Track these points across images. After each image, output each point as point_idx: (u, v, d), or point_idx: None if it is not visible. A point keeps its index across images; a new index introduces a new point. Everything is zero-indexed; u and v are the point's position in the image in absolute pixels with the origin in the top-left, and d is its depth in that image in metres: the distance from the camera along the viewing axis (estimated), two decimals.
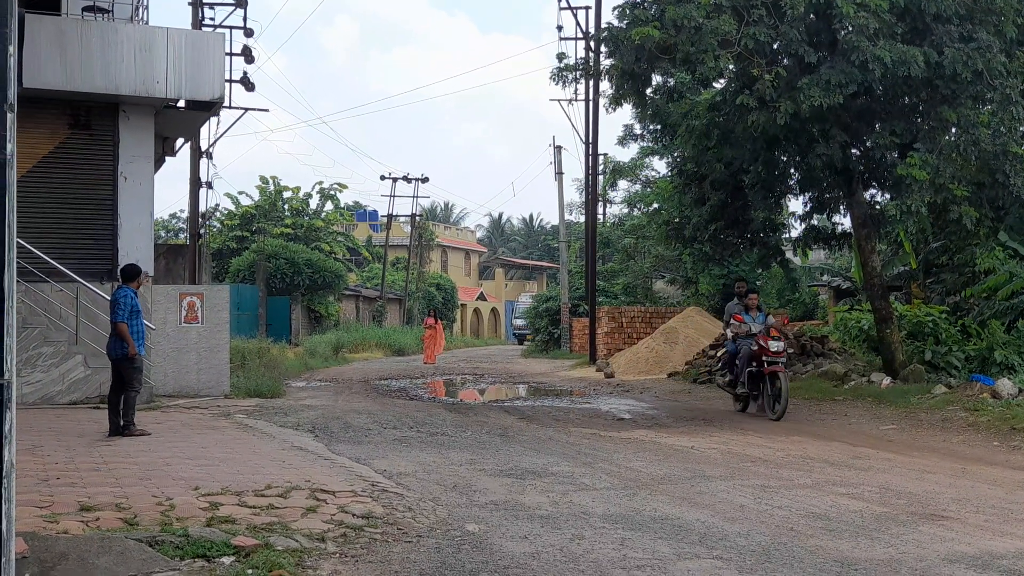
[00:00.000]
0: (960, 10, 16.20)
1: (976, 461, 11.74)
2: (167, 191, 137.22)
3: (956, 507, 8.61)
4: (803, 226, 22.59)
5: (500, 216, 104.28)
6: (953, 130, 16.51)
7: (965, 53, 15.73)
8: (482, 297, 77.70)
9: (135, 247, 16.98)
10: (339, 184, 55.73)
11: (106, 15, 17.61)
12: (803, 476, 10.27)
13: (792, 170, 20.64)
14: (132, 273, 12.71)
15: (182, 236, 55.90)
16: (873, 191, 20.41)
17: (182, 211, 61.30)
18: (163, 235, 58.10)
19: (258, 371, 20.73)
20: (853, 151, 18.64)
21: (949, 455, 12.24)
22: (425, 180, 56.66)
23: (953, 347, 19.49)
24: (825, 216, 22.53)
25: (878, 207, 19.48)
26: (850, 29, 15.78)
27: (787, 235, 24.32)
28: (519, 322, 60.19)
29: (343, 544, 6.77)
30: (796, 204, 22.86)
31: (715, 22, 15.45)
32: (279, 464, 9.98)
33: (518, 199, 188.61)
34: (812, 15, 16.18)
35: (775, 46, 16.27)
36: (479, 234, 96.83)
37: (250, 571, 5.95)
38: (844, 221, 22.22)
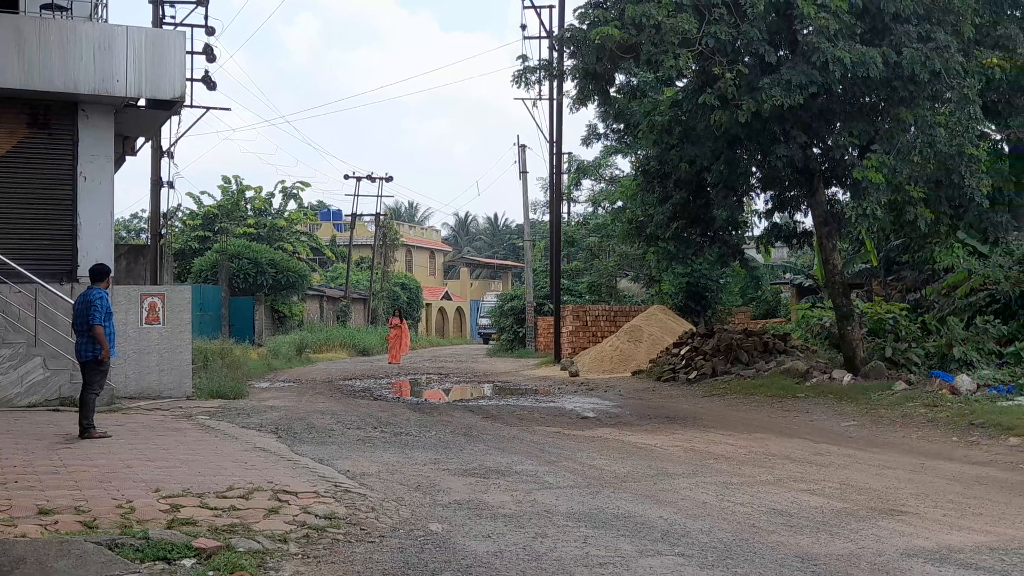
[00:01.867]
0: (919, 9, 16.39)
1: (935, 456, 11.88)
2: (128, 191, 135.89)
3: (915, 502, 8.71)
4: (765, 224, 22.78)
5: (465, 215, 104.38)
6: (912, 130, 16.69)
7: (923, 53, 15.91)
8: (447, 296, 77.58)
9: (95, 247, 16.80)
10: (302, 183, 55.57)
11: (65, 13, 17.42)
12: (765, 473, 10.35)
13: (754, 169, 20.82)
14: (102, 272, 12.53)
15: (143, 236, 55.39)
16: (834, 190, 20.61)
17: (143, 211, 60.80)
18: (124, 235, 57.57)
19: (221, 372, 20.58)
20: (814, 150, 18.81)
21: (908, 451, 12.38)
22: (389, 179, 56.48)
23: (913, 344, 19.71)
24: (787, 214, 22.74)
25: (838, 206, 19.68)
26: (810, 30, 15.92)
27: (749, 233, 24.53)
28: (484, 321, 60.06)
29: (305, 545, 6.74)
30: (758, 202, 23.03)
31: (675, 20, 15.54)
32: (241, 465, 9.92)
33: (483, 198, 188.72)
34: (773, 14, 16.31)
35: (736, 45, 16.38)
36: (444, 233, 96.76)
37: (211, 573, 5.92)
38: (806, 219, 22.45)
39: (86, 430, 11.76)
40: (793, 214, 22.65)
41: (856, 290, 27.27)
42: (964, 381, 16.11)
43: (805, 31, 16.26)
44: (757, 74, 16.45)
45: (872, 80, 16.20)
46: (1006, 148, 19.55)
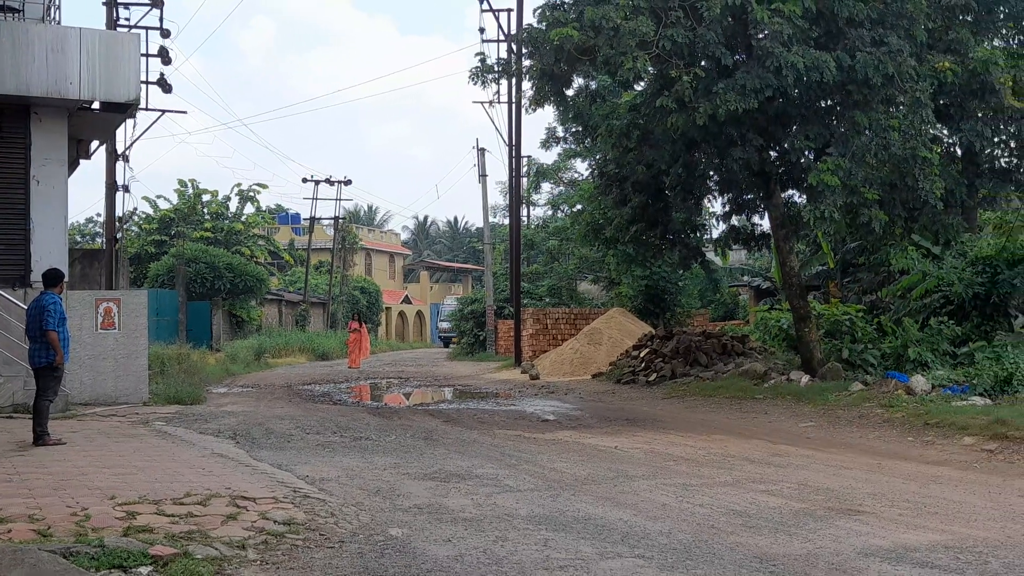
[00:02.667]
0: (872, 14, 16.56)
1: (891, 456, 12.01)
2: (82, 195, 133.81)
3: (871, 502, 8.80)
4: (723, 227, 22.93)
5: (425, 219, 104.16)
6: (867, 133, 16.86)
7: (876, 57, 16.07)
8: (407, 300, 77.35)
9: (48, 252, 16.56)
10: (259, 185, 54.99)
11: (16, 15, 17.19)
12: (724, 474, 10.40)
13: (711, 172, 20.94)
14: (56, 277, 12.43)
15: (98, 241, 54.77)
16: (791, 192, 20.78)
17: (98, 215, 60.17)
18: (79, 240, 56.88)
19: (178, 377, 20.38)
20: (771, 153, 18.95)
21: (865, 451, 12.50)
22: (348, 183, 56.25)
23: (869, 345, 19.91)
24: (744, 217, 22.89)
25: (795, 209, 19.84)
26: (765, 34, 16.04)
27: (707, 236, 24.69)
28: (445, 325, 59.76)
29: (264, 551, 6.69)
30: (716, 205, 23.19)
31: (633, 23, 15.58)
32: (199, 471, 9.83)
33: (443, 202, 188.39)
34: (728, 18, 16.41)
35: (693, 48, 16.46)
36: (404, 236, 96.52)
37: None
38: (763, 222, 22.61)
39: (40, 437, 11.60)
40: (751, 217, 22.82)
41: (813, 292, 27.49)
42: (919, 382, 16.29)
43: (760, 36, 16.37)
44: (713, 77, 16.55)
45: (826, 84, 16.34)
46: (959, 152, 19.81)
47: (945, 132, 19.28)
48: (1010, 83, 17.15)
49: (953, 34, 17.55)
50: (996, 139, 18.99)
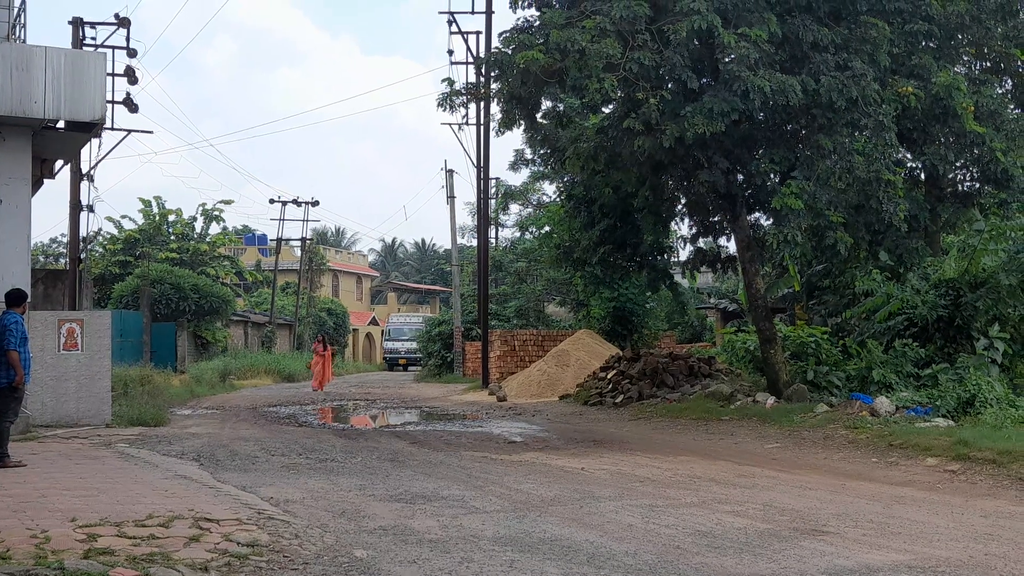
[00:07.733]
0: (836, 39, 16.78)
1: (855, 477, 12.07)
2: (46, 214, 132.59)
3: (836, 522, 8.84)
4: (690, 249, 23.08)
5: (393, 240, 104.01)
6: (832, 156, 17.03)
7: (840, 81, 16.27)
8: (374, 322, 77.05)
9: (11, 272, 16.33)
10: (224, 201, 54.74)
11: None
12: (690, 495, 10.42)
13: (678, 194, 21.06)
14: (19, 297, 12.36)
15: (62, 261, 54.26)
16: (757, 215, 20.94)
17: (62, 235, 59.65)
18: (41, 260, 56.32)
19: (141, 399, 20.18)
20: (737, 176, 19.09)
21: (830, 472, 12.56)
22: (315, 204, 56.07)
23: (834, 367, 20.04)
24: (711, 239, 23.01)
25: (760, 232, 19.99)
26: (731, 58, 16.20)
27: (675, 258, 24.82)
28: (392, 345, 56.96)
29: (227, 573, 6.62)
30: (683, 227, 23.36)
31: (599, 46, 15.69)
32: (161, 493, 9.73)
33: (411, 223, 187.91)
34: (695, 41, 16.55)
35: (660, 71, 16.58)
36: (371, 258, 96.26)
37: None
38: (730, 244, 22.74)
39: (0, 459, 11.46)
40: (717, 239, 22.95)
41: (779, 314, 27.65)
42: (883, 403, 16.41)
43: (727, 59, 16.53)
44: (680, 100, 16.67)
45: (792, 107, 16.52)
46: (922, 176, 20.03)
47: (908, 156, 19.49)
48: (971, 108, 17.38)
49: (916, 59, 17.78)
50: (958, 163, 19.22)
